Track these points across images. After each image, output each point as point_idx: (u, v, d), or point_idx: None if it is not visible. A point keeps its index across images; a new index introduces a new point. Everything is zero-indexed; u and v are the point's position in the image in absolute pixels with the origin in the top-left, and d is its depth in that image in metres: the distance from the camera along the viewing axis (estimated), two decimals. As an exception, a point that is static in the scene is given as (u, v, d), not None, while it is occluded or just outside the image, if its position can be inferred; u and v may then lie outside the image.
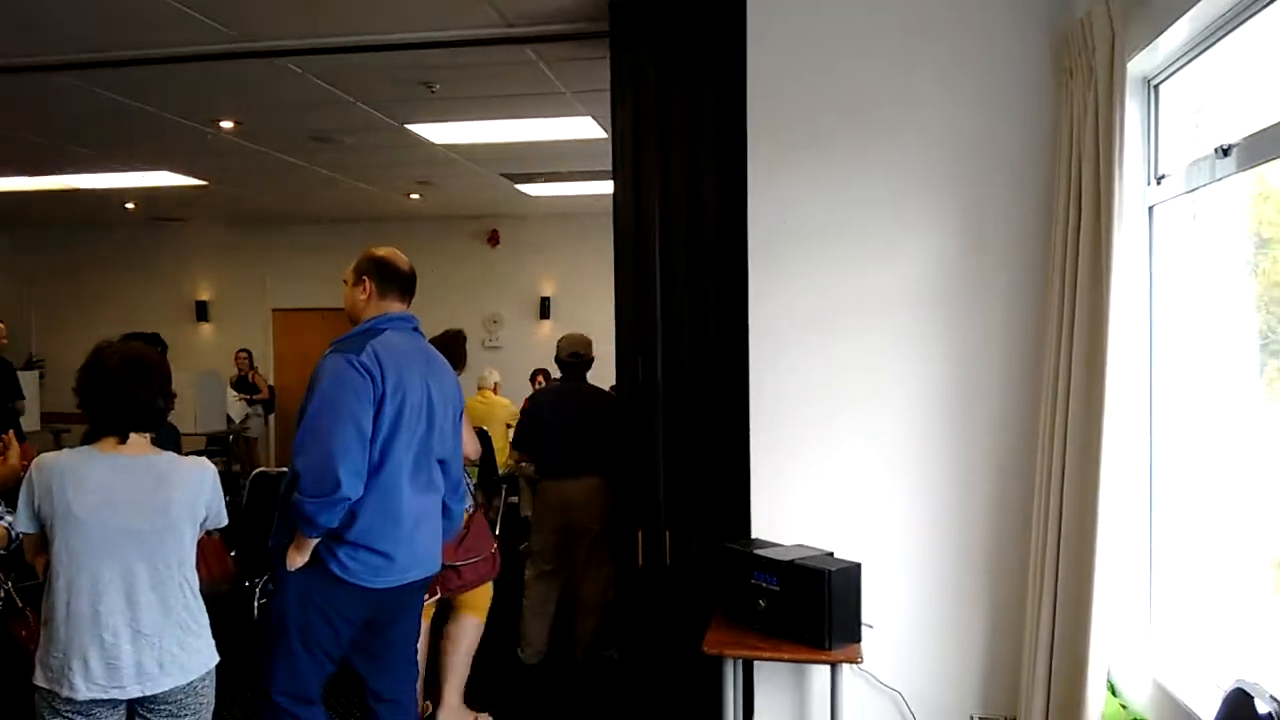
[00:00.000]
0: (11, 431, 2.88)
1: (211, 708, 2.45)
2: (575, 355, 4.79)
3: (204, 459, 2.51)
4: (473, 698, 4.14)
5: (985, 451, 3.16)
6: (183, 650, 2.35)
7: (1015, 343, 3.12)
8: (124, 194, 8.50)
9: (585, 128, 6.00)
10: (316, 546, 2.69)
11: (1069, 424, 2.70)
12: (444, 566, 3.12)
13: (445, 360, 3.10)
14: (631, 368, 3.62)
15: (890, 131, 3.20)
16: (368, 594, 2.75)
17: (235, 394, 9.67)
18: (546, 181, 8.09)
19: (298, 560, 2.70)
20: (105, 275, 10.82)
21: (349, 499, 2.60)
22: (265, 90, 5.30)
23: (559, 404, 4.84)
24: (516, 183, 8.18)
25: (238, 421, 9.64)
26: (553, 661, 4.78)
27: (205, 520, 2.45)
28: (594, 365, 4.86)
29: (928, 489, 3.20)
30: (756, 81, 3.27)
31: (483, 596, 4.07)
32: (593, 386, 4.86)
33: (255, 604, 4.31)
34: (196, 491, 2.42)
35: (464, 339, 4.30)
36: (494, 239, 10.34)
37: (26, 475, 2.31)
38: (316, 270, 10.51)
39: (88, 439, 2.37)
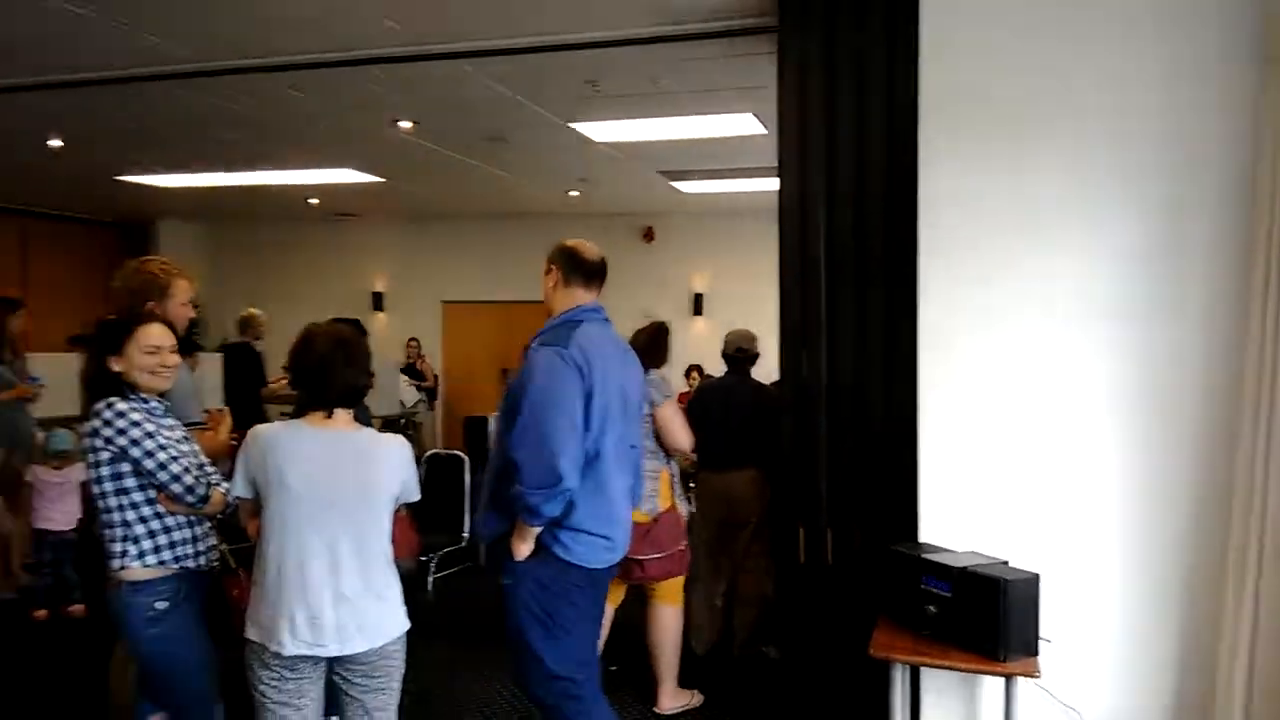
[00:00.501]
0: (226, 409, 3.14)
1: (402, 671, 2.60)
2: (740, 350, 4.83)
3: (400, 436, 2.66)
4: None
5: (1179, 463, 2.98)
6: (378, 615, 2.51)
7: (1213, 348, 2.93)
8: (308, 190, 9.07)
9: (745, 124, 6.00)
10: (542, 534, 2.82)
11: (1275, 436, 2.51)
12: (626, 558, 3.19)
13: (632, 353, 3.18)
14: (794, 362, 3.60)
15: (1075, 120, 3.05)
16: (592, 573, 2.90)
17: (405, 380, 10.15)
18: (703, 179, 8.12)
19: (524, 549, 2.82)
20: (290, 266, 11.59)
21: (570, 490, 2.71)
22: (442, 91, 5.55)
23: (724, 397, 4.89)
24: (673, 180, 8.25)
25: (408, 406, 10.12)
26: (712, 655, 4.81)
27: (400, 495, 2.60)
28: (755, 360, 4.88)
29: (1114, 500, 3.04)
30: (931, 68, 3.18)
31: (675, 586, 4.20)
32: (756, 381, 4.88)
33: (429, 579, 4.56)
34: (394, 467, 2.57)
35: (668, 332, 4.41)
36: (649, 235, 10.47)
37: (243, 445, 2.52)
38: (482, 265, 10.96)
39: (297, 414, 2.56)
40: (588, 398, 2.79)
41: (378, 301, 11.36)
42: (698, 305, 10.35)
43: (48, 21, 4.31)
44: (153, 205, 10.38)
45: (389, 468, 2.56)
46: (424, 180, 8.56)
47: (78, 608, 5.33)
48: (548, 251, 3.12)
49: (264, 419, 4.58)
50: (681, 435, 4.09)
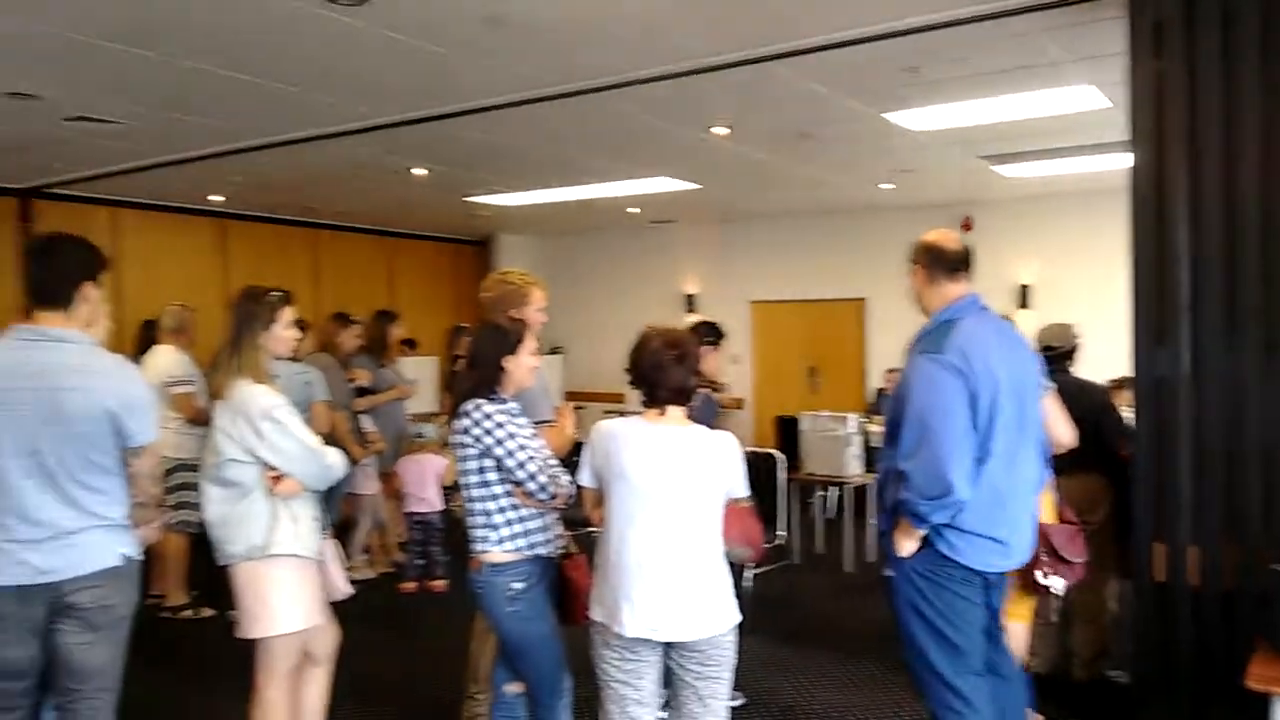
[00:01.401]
0: (569, 405, 3.40)
1: (733, 662, 2.68)
2: (1048, 348, 4.43)
3: (729, 434, 2.73)
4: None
5: None
6: (710, 606, 2.60)
7: None
8: (630, 200, 9.59)
9: (1083, 98, 5.50)
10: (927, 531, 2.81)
11: None
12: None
13: (1019, 335, 3.05)
14: (1149, 358, 3.26)
15: None
16: (979, 575, 2.84)
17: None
18: (1032, 160, 7.56)
19: (907, 546, 2.85)
20: (610, 272, 12.31)
21: (962, 501, 2.69)
22: (755, 94, 5.63)
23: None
24: (995, 164, 7.76)
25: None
26: (1051, 676, 4.47)
27: (729, 490, 2.67)
28: (1072, 356, 4.49)
29: None
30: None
31: (1024, 604, 3.95)
32: (1079, 378, 4.46)
33: (749, 575, 4.65)
34: (722, 463, 2.66)
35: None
36: (967, 225, 9.91)
37: (589, 438, 2.72)
38: (791, 264, 10.97)
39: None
40: (973, 399, 2.72)
41: (690, 303, 11.75)
42: (1024, 297, 9.66)
43: (417, 62, 4.91)
44: (496, 223, 11.49)
45: (717, 463, 2.65)
46: (735, 183, 8.73)
47: (440, 583, 6.01)
48: (909, 250, 3.10)
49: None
50: (1062, 428, 3.69)
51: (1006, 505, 2.82)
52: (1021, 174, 8.07)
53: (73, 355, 2.58)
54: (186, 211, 10.00)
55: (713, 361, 4.26)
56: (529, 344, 2.98)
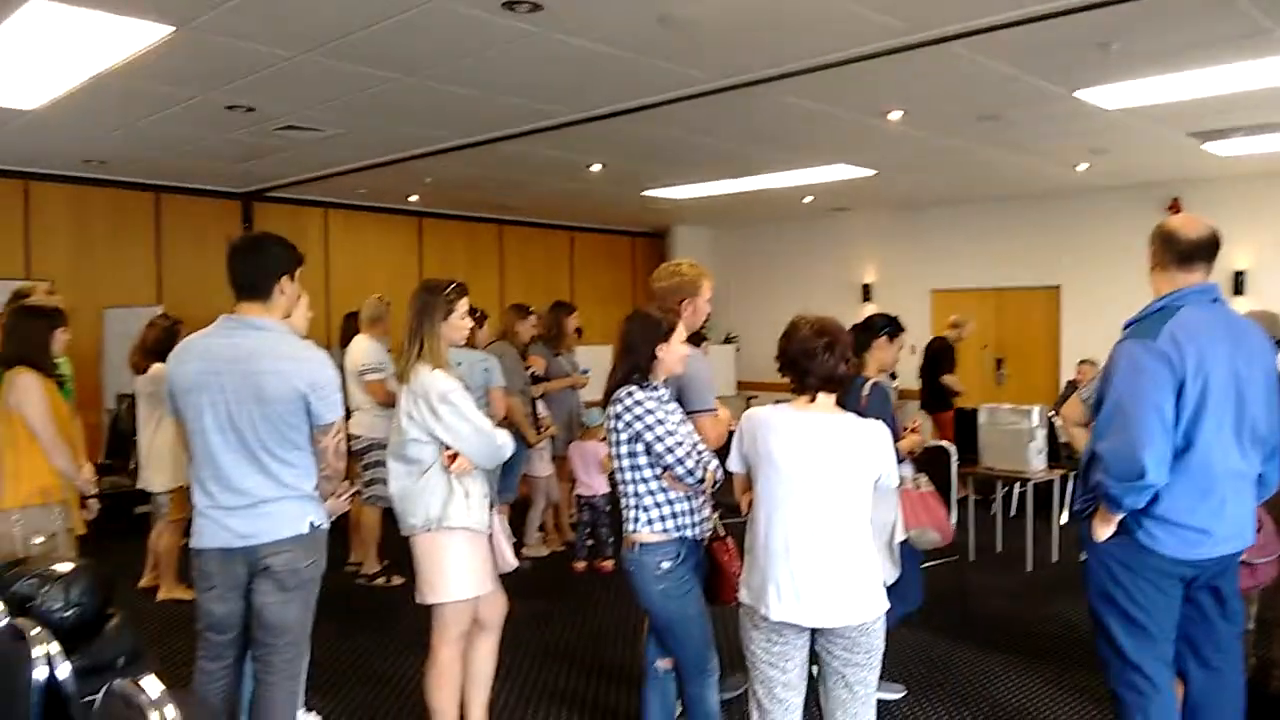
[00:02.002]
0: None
1: (881, 651, 2.67)
2: None
3: (878, 423, 2.72)
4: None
5: None
6: (858, 593, 2.60)
7: None
8: (804, 189, 9.50)
9: (1303, 66, 5.00)
10: (1124, 517, 2.78)
11: None
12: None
13: (1255, 328, 2.91)
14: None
15: None
16: (1177, 564, 2.79)
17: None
18: (1246, 135, 6.91)
19: (1103, 532, 2.82)
20: (785, 262, 12.23)
21: (1154, 485, 2.65)
22: (932, 77, 5.47)
23: None
24: (1206, 141, 7.15)
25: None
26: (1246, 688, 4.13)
27: (880, 480, 2.66)
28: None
29: None
30: None
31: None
32: None
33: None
34: (873, 451, 2.65)
35: None
36: (1175, 207, 9.18)
37: (739, 424, 2.78)
38: (974, 251, 10.53)
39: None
40: (1180, 387, 2.65)
41: (866, 292, 11.49)
42: (1238, 284, 8.85)
43: (592, 63, 5.09)
44: (671, 215, 11.68)
45: (866, 450, 2.64)
46: (913, 168, 8.49)
47: (608, 563, 6.22)
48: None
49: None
50: None
51: (1210, 495, 2.74)
52: (1235, 151, 7.41)
53: (270, 342, 2.87)
54: (387, 211, 10.76)
55: (889, 353, 4.23)
56: (680, 333, 3.05)
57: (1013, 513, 7.56)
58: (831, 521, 2.60)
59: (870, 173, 8.57)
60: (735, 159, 7.98)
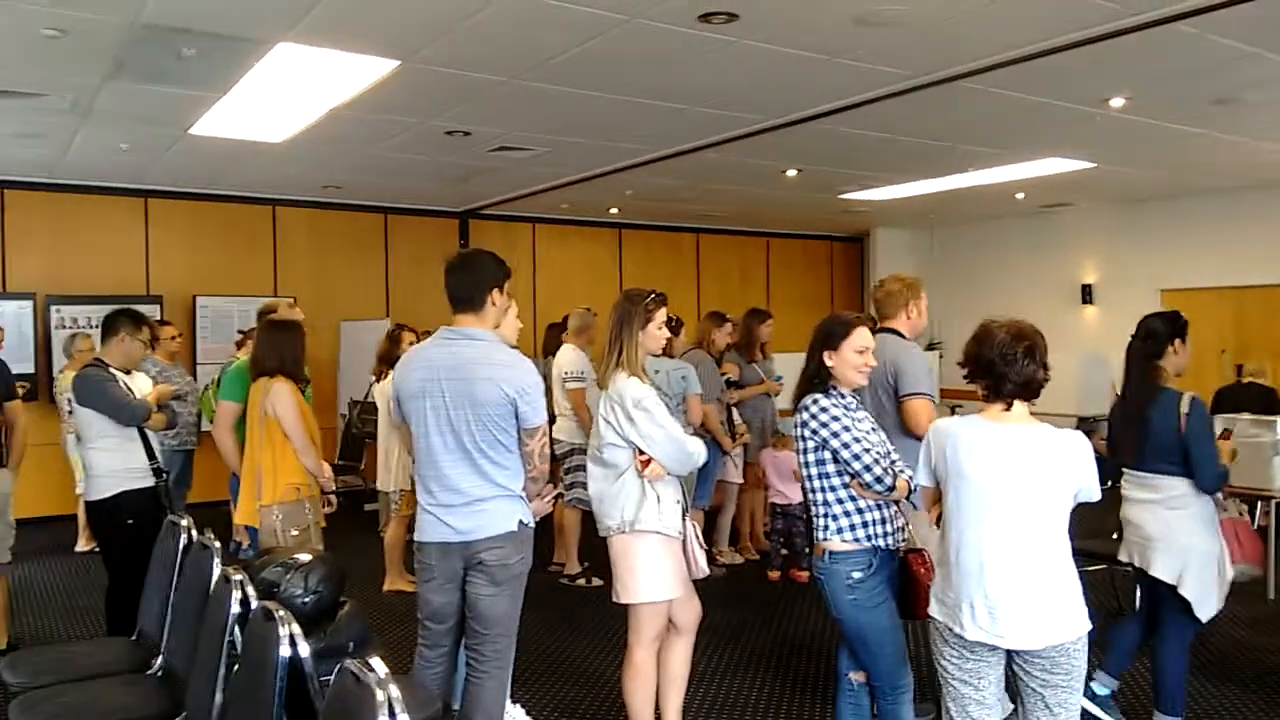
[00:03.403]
0: None
1: (1083, 672, 2.51)
2: None
3: (1078, 433, 2.55)
4: None
5: None
6: (1057, 612, 2.46)
7: None
8: (1015, 185, 9.01)
9: None
10: None
11: None
12: None
13: None
14: None
15: None
16: None
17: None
18: None
19: None
20: (997, 262, 11.62)
21: None
22: (1158, 60, 5.07)
23: None
24: None
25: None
26: None
27: (1080, 493, 2.51)
28: None
29: None
30: None
31: None
32: None
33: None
34: (1072, 463, 2.50)
35: None
36: None
37: (926, 437, 2.69)
38: (1209, 247, 9.62)
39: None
40: None
41: (1086, 294, 10.74)
42: None
43: (788, 67, 5.09)
44: (870, 218, 11.41)
45: (1067, 464, 2.50)
46: (1137, 158, 7.88)
47: (804, 573, 6.15)
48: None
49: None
50: None
51: None
52: None
53: (484, 350, 3.08)
54: (589, 224, 11.16)
55: (1186, 357, 3.73)
56: (853, 340, 2.99)
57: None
58: (1029, 538, 2.47)
59: (1089, 165, 8.02)
60: (939, 157, 7.70)
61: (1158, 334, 3.71)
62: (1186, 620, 3.57)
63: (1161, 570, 3.57)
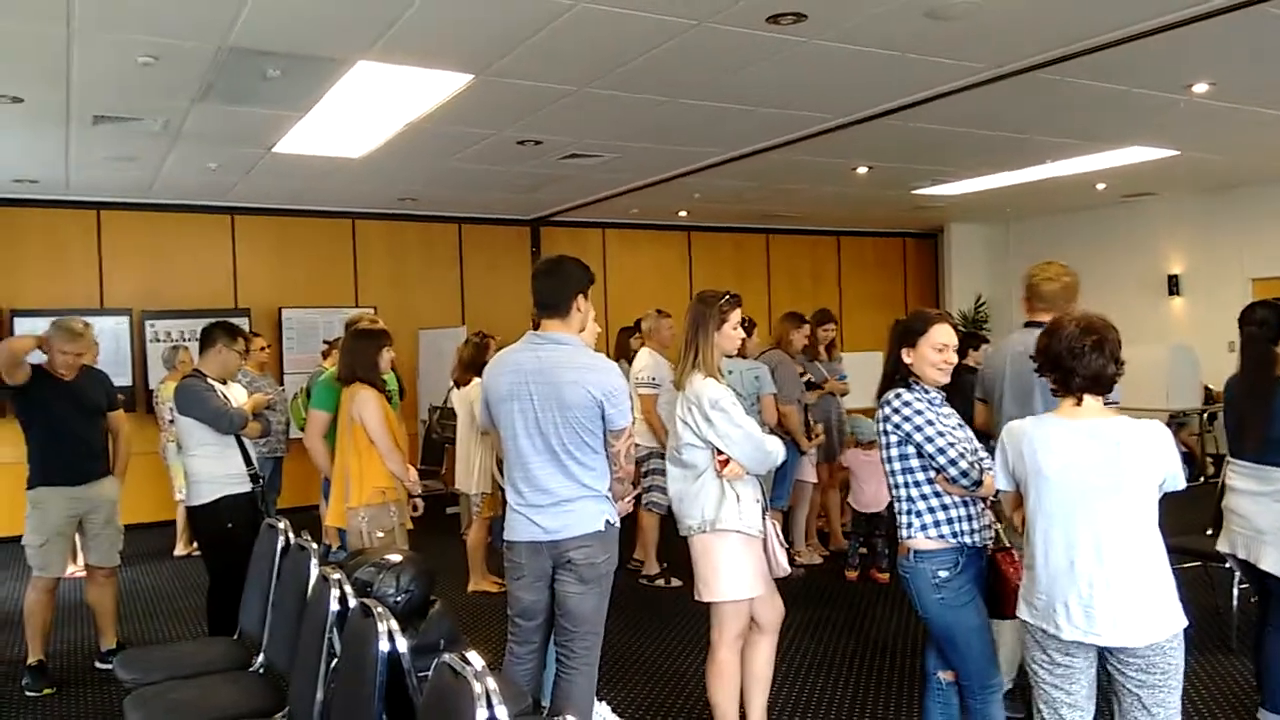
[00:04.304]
0: None
1: (1181, 670, 2.46)
2: None
3: (1157, 423, 2.50)
4: None
5: None
6: (1152, 609, 2.42)
7: None
8: (1095, 175, 8.79)
9: None
10: None
11: None
12: None
13: None
14: None
15: None
16: None
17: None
18: None
19: None
20: (1078, 255, 11.28)
21: None
22: (1244, 43, 4.92)
23: None
24: None
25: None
26: None
27: (1164, 483, 2.46)
28: None
29: None
30: None
31: None
32: None
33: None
34: (1153, 453, 2.45)
35: None
36: None
37: (1000, 440, 2.67)
38: (1305, 232, 9.26)
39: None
40: None
41: (1174, 285, 10.40)
42: None
43: (858, 65, 5.07)
44: (944, 213, 11.22)
45: (1147, 454, 2.45)
46: (1223, 145, 7.62)
47: (883, 575, 6.09)
48: None
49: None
50: None
51: None
52: None
53: (570, 354, 3.15)
54: (658, 227, 11.21)
55: None
56: (931, 337, 2.96)
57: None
58: (1116, 532, 2.43)
59: (1173, 153, 7.79)
60: (1015, 150, 7.56)
61: (1271, 322, 3.60)
62: None
63: (1272, 564, 3.49)
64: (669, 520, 3.57)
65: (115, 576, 4.92)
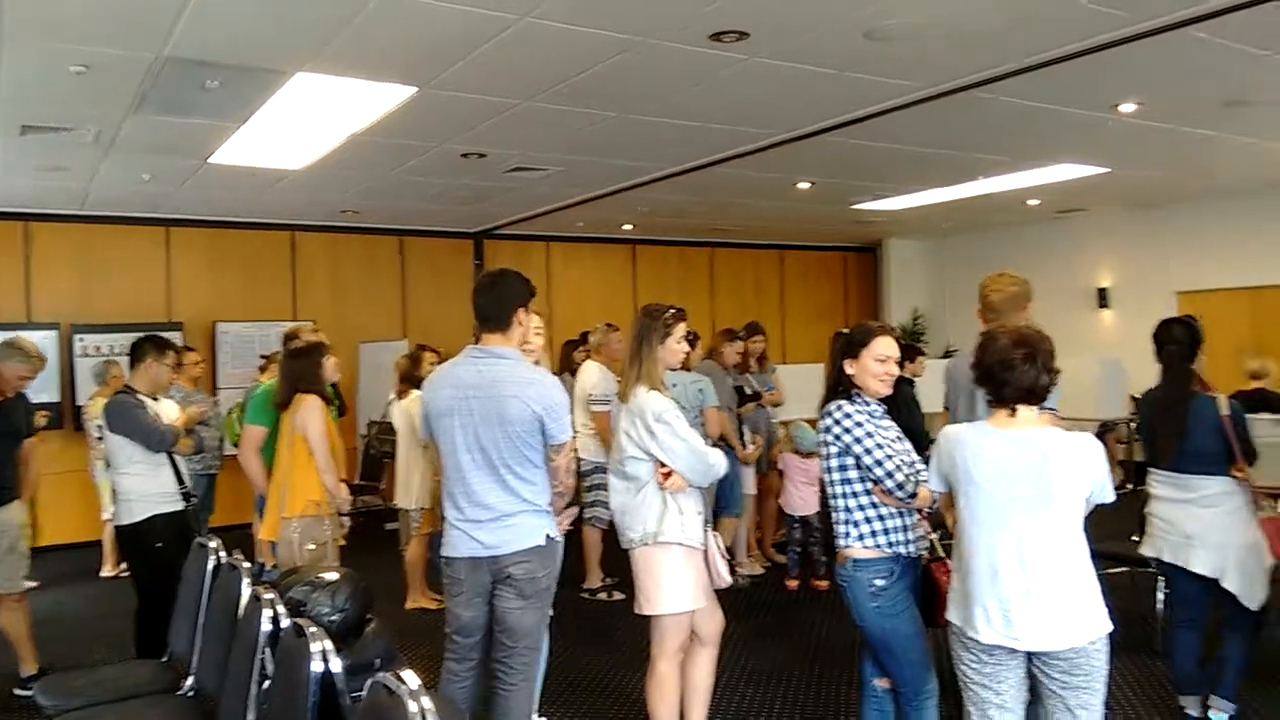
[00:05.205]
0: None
1: (1104, 673, 2.51)
2: None
3: (1088, 435, 2.57)
4: None
5: None
6: (1073, 614, 2.47)
7: None
8: (1028, 192, 9.02)
9: None
10: None
11: None
12: None
13: None
14: None
15: None
16: None
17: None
18: None
19: None
20: (1011, 269, 11.41)
21: None
22: (1168, 65, 5.09)
23: None
24: None
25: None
26: None
27: (1091, 495, 2.53)
28: None
29: None
30: None
31: None
32: None
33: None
34: (1082, 466, 2.51)
35: None
36: None
37: (936, 445, 2.72)
38: (1225, 248, 9.59)
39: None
40: None
41: (1103, 298, 10.71)
42: None
43: (798, 83, 5.14)
44: (883, 228, 11.42)
45: (1075, 467, 2.51)
46: (1150, 162, 7.87)
47: (822, 583, 6.16)
48: None
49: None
50: None
51: None
52: None
53: (510, 369, 3.14)
54: (603, 241, 11.22)
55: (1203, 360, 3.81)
56: (874, 349, 3.02)
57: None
58: (1040, 541, 2.49)
59: (1102, 170, 8.03)
60: (951, 166, 7.73)
61: (1186, 341, 3.78)
62: (1243, 609, 3.66)
63: (1202, 566, 3.65)
64: (612, 534, 3.56)
65: (25, 600, 4.75)
